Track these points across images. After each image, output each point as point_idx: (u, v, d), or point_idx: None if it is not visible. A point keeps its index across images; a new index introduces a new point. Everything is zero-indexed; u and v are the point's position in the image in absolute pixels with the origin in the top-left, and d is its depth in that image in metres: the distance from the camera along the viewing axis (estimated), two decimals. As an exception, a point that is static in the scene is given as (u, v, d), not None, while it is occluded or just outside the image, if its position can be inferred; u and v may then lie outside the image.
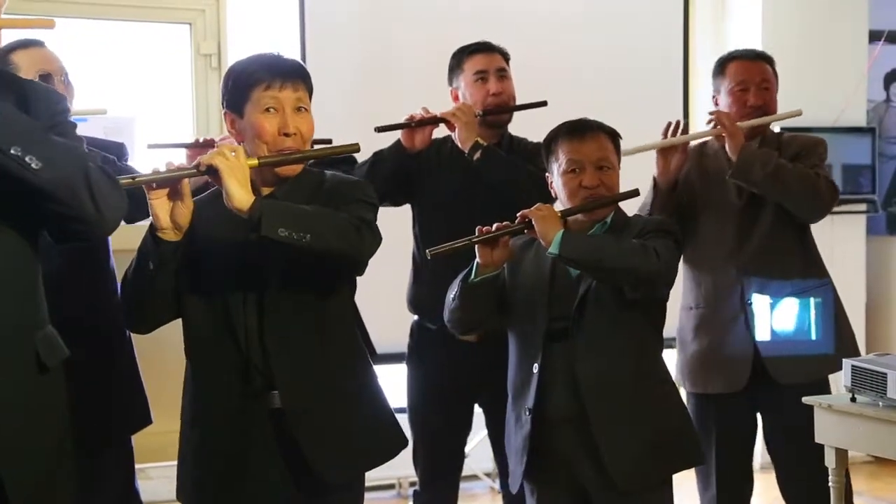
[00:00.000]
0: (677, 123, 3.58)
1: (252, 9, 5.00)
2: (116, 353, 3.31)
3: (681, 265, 3.69)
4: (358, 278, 2.62)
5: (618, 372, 2.85)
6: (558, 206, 2.95)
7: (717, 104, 3.63)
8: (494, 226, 2.85)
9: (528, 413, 2.89)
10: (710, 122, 3.56)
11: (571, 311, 2.86)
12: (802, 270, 3.55)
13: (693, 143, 3.64)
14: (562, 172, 2.93)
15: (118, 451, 3.35)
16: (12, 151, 1.91)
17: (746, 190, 3.50)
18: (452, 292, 2.94)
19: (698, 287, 3.61)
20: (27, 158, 1.91)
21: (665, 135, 3.56)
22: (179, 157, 3.38)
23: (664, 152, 3.55)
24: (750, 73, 3.59)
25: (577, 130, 2.95)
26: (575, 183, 2.90)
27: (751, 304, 3.50)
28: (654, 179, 3.57)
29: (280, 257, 2.41)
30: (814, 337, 3.52)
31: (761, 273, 3.51)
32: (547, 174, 3.02)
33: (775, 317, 3.52)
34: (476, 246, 2.85)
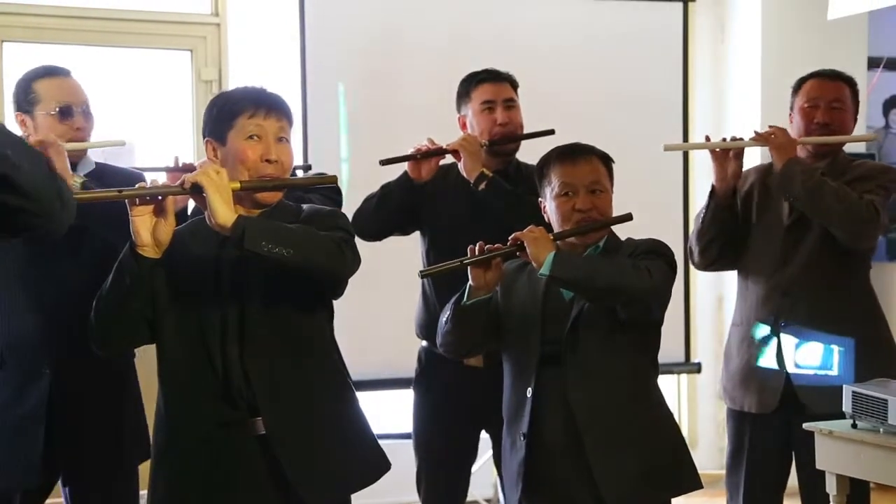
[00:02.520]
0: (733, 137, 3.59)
1: (253, 36, 5.02)
2: (127, 381, 3.32)
3: (733, 281, 3.72)
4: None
5: (611, 397, 2.84)
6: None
7: (791, 122, 3.60)
8: (486, 247, 2.85)
9: (522, 438, 2.87)
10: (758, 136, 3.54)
11: (563, 334, 2.85)
12: (841, 298, 3.49)
13: (744, 158, 3.59)
14: (554, 196, 2.92)
15: (129, 478, 3.35)
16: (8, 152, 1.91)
17: (796, 210, 3.48)
18: (445, 315, 2.93)
19: (744, 303, 3.63)
20: (7, 151, 1.90)
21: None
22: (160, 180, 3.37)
23: (719, 159, 3.53)
24: (822, 90, 3.55)
25: (570, 154, 2.95)
26: (568, 206, 2.89)
27: (784, 325, 3.49)
28: (712, 186, 3.57)
29: (259, 282, 2.45)
30: (845, 367, 3.44)
31: (797, 296, 3.49)
32: (540, 199, 3.01)
33: (807, 344, 3.49)
34: (468, 268, 2.85)
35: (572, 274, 2.76)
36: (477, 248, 2.85)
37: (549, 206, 2.95)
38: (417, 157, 3.53)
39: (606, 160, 2.97)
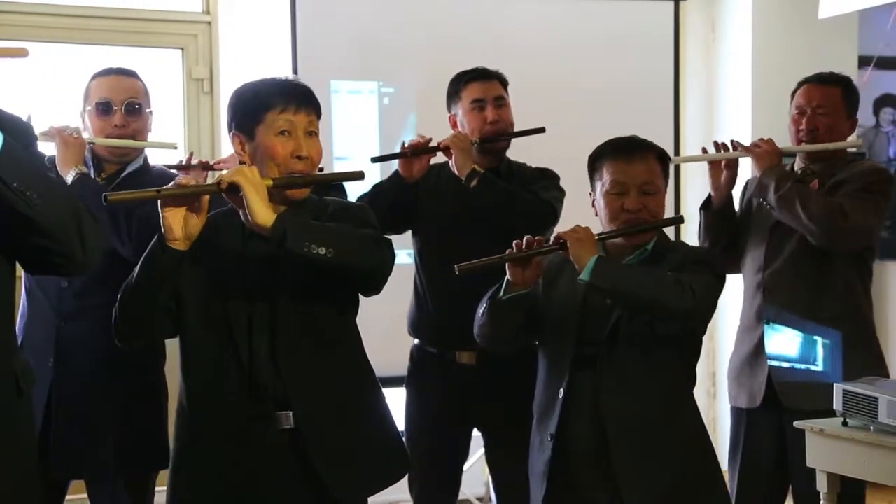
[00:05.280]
0: (723, 143, 3.63)
1: (244, 34, 5.01)
2: (153, 387, 3.34)
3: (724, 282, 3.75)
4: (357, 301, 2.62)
5: (644, 408, 2.77)
6: (597, 227, 2.86)
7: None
8: (525, 242, 2.77)
9: (550, 439, 2.81)
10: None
11: (602, 337, 2.77)
12: (821, 297, 3.51)
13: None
14: (604, 192, 2.82)
15: (144, 485, 3.36)
16: (15, 185, 1.95)
17: None
18: (481, 308, 2.87)
19: (743, 302, 3.69)
20: (28, 193, 1.96)
21: (716, 150, 3.63)
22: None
23: (712, 169, 3.63)
24: (808, 97, 3.58)
25: (625, 150, 2.84)
26: (617, 205, 2.80)
27: (768, 323, 3.54)
28: (709, 195, 3.67)
29: (290, 278, 2.43)
30: (823, 366, 3.48)
31: (779, 293, 3.54)
32: (589, 192, 2.94)
33: (786, 340, 3.54)
34: (507, 264, 2.77)
35: (612, 284, 2.68)
36: (516, 245, 2.78)
37: (599, 201, 2.86)
38: (408, 155, 3.53)
39: (663, 158, 2.87)
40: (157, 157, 3.77)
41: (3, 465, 2.11)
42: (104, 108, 3.32)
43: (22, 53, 2.02)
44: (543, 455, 2.83)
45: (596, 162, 2.88)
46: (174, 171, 3.49)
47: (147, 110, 3.42)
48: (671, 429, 2.80)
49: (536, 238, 2.79)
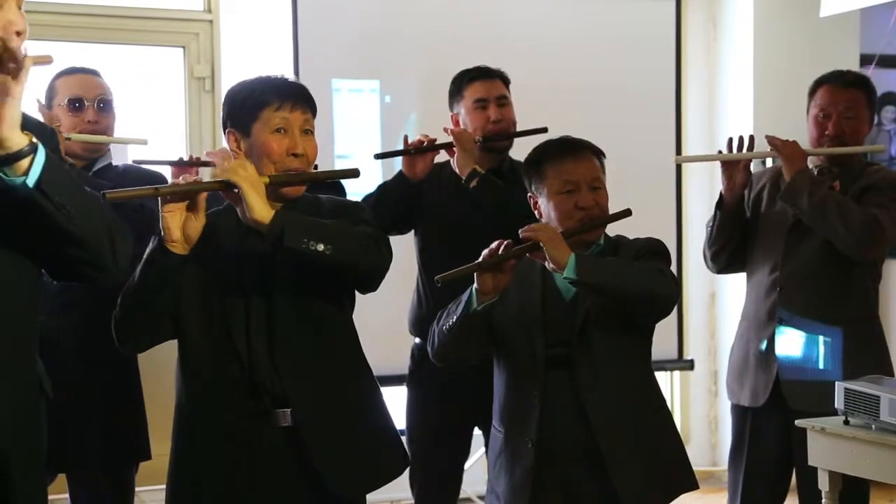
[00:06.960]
0: (740, 139, 3.55)
1: (246, 33, 5.01)
2: (130, 380, 3.33)
3: (726, 278, 3.69)
4: (358, 301, 2.63)
5: (624, 398, 2.79)
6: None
7: (808, 123, 3.60)
8: (494, 245, 2.71)
9: (530, 445, 2.79)
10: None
11: (570, 336, 2.77)
12: (836, 297, 3.50)
13: (768, 162, 3.58)
14: (555, 193, 2.84)
15: (125, 479, 3.36)
16: (57, 199, 1.98)
17: None
18: (446, 324, 2.82)
19: (747, 299, 3.67)
20: (68, 207, 1.99)
21: (729, 149, 3.56)
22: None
23: (728, 169, 3.54)
24: (834, 100, 3.52)
25: (570, 150, 2.88)
26: (570, 204, 2.82)
27: (778, 321, 3.52)
28: (720, 195, 3.59)
29: (288, 276, 2.43)
30: (835, 367, 3.46)
31: (793, 293, 3.52)
32: (530, 195, 2.95)
33: (798, 340, 3.53)
34: (475, 274, 2.72)
35: (601, 278, 2.67)
36: (490, 251, 2.71)
37: (547, 203, 2.87)
38: (412, 152, 3.53)
39: (600, 155, 2.92)
40: (136, 157, 3.79)
41: (27, 464, 2.14)
42: (76, 105, 3.36)
43: (47, 60, 2.05)
44: (523, 463, 2.80)
45: (539, 165, 2.89)
46: (156, 166, 3.49)
47: (114, 108, 3.46)
48: (648, 413, 2.85)
49: (505, 241, 2.74)
